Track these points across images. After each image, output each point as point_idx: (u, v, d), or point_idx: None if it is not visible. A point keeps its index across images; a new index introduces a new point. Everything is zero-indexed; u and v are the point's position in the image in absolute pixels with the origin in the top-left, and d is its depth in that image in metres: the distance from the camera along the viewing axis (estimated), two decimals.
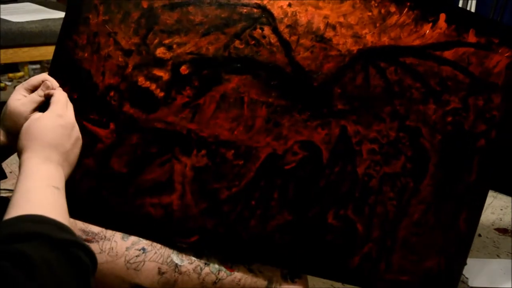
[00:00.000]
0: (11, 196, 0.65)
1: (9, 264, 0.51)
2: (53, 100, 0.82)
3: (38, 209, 0.62)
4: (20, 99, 0.83)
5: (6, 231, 0.57)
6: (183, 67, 0.89)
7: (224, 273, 0.94)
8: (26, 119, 0.80)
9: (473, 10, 2.33)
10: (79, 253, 0.58)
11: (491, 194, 2.16)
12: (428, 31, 0.90)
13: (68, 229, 0.61)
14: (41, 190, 0.67)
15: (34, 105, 0.83)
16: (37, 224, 0.59)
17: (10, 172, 1.96)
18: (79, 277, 0.57)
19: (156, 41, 0.88)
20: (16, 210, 0.62)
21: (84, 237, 0.90)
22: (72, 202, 0.90)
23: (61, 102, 0.81)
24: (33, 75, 3.13)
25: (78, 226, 0.90)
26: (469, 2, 2.33)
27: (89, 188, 0.91)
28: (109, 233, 0.91)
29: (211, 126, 0.90)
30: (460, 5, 2.33)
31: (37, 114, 0.80)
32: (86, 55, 0.88)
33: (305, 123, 0.91)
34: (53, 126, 0.76)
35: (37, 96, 0.83)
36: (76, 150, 0.79)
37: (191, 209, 0.91)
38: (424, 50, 0.90)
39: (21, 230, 0.56)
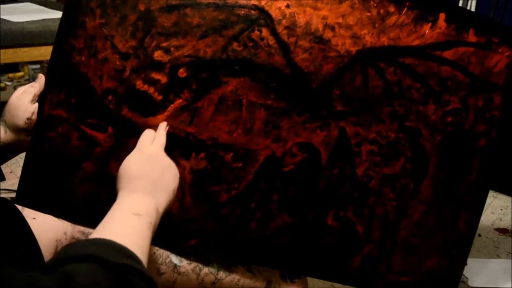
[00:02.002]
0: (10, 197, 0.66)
1: (51, 282, 0.52)
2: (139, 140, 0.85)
3: (110, 234, 0.64)
4: (17, 94, 0.90)
5: (67, 253, 0.59)
6: (181, 70, 0.88)
7: (223, 273, 0.94)
8: (24, 110, 0.88)
9: (473, 10, 2.33)
10: (134, 278, 0.57)
11: (491, 194, 2.15)
12: (427, 31, 0.89)
13: (131, 255, 0.61)
14: (119, 218, 0.71)
15: (29, 96, 0.89)
16: (97, 247, 0.60)
17: (10, 172, 1.98)
18: None
19: (153, 44, 0.88)
20: (92, 236, 0.65)
21: (83, 239, 0.90)
22: (72, 205, 0.90)
23: (143, 140, 0.84)
24: (33, 75, 3.14)
25: (78, 228, 0.90)
26: (469, 2, 2.33)
27: (89, 192, 0.90)
28: None
29: (209, 129, 0.89)
30: (460, 5, 2.33)
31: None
32: (83, 59, 0.88)
33: (304, 125, 0.90)
34: (135, 161, 0.79)
35: (31, 88, 0.90)
36: (168, 177, 0.80)
37: (191, 212, 0.91)
38: (423, 50, 0.89)
39: (79, 251, 0.58)
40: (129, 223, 0.70)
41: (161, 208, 0.76)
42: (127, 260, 0.59)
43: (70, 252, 0.58)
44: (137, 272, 0.58)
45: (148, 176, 0.78)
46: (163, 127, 0.87)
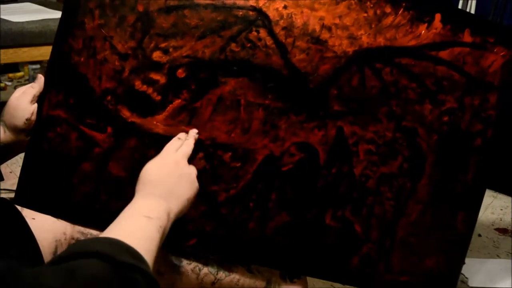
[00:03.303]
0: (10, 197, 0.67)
1: (54, 276, 0.53)
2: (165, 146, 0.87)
3: (118, 234, 0.65)
4: (17, 95, 0.91)
5: (73, 249, 0.60)
6: (179, 71, 0.89)
7: (222, 273, 0.94)
8: (23, 111, 0.89)
9: (473, 10, 2.33)
10: (137, 277, 0.58)
11: (491, 194, 2.16)
12: (423, 31, 0.90)
13: (136, 254, 0.62)
14: (129, 219, 0.72)
15: (29, 97, 0.90)
16: (103, 244, 0.61)
17: (10, 172, 1.98)
18: None
19: (152, 44, 0.88)
20: (102, 234, 0.67)
21: (82, 239, 0.90)
22: (71, 205, 0.91)
23: (168, 146, 0.86)
24: (33, 75, 3.14)
25: (77, 229, 0.91)
26: (469, 2, 2.33)
27: (88, 192, 0.91)
28: None
29: (208, 129, 0.90)
30: (460, 5, 2.33)
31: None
32: (82, 59, 0.88)
33: (302, 124, 0.91)
34: (154, 168, 0.81)
35: (31, 88, 0.90)
36: (184, 185, 0.81)
37: (190, 212, 0.91)
38: (419, 50, 0.90)
39: (85, 248, 0.59)
40: (138, 224, 0.71)
41: (173, 214, 0.77)
42: (132, 259, 0.60)
43: (77, 248, 0.59)
44: (141, 272, 0.59)
45: (164, 181, 0.79)
46: (192, 135, 0.89)
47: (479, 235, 1.86)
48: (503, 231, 1.92)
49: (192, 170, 0.84)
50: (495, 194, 2.17)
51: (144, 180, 0.79)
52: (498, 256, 1.76)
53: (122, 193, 0.90)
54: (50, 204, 0.91)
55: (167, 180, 0.80)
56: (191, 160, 0.87)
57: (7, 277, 0.51)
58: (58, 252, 0.87)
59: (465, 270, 1.63)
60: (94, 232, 0.91)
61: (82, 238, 0.90)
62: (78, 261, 0.56)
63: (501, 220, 1.99)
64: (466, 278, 1.61)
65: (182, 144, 0.86)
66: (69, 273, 0.53)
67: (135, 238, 0.66)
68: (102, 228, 0.90)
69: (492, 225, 1.95)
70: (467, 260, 1.65)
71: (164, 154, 0.84)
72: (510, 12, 2.20)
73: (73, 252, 0.58)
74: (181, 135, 0.88)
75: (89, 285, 0.54)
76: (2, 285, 0.50)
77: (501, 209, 2.07)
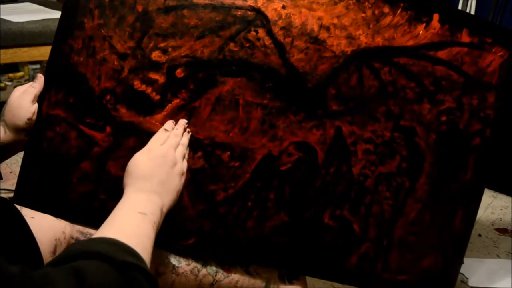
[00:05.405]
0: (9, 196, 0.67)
1: (61, 275, 0.53)
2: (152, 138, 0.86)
3: (115, 233, 0.66)
4: (17, 94, 0.90)
5: (74, 250, 0.60)
6: (178, 70, 0.89)
7: (221, 274, 0.94)
8: (25, 110, 0.89)
9: (473, 10, 2.33)
10: (139, 277, 0.59)
11: (491, 194, 2.16)
12: (421, 31, 0.90)
13: (134, 253, 0.63)
14: (125, 216, 0.73)
15: (30, 96, 0.89)
16: (103, 245, 0.61)
17: (10, 172, 1.98)
18: None
19: (151, 44, 0.89)
20: (97, 234, 0.67)
21: (82, 238, 0.90)
22: (70, 205, 0.91)
23: (154, 139, 0.85)
24: (33, 75, 3.13)
25: (76, 228, 0.91)
26: (469, 2, 2.33)
27: (87, 191, 0.91)
28: None
29: (206, 128, 0.90)
30: (460, 5, 2.33)
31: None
32: (81, 59, 0.88)
33: (300, 124, 0.91)
34: (143, 160, 0.81)
35: (31, 88, 0.90)
36: (174, 178, 0.81)
37: (188, 211, 0.92)
38: (417, 50, 0.90)
39: (86, 249, 0.60)
40: (134, 221, 0.71)
41: (165, 208, 0.78)
42: (132, 258, 0.61)
43: (78, 249, 0.60)
44: (140, 270, 0.60)
45: (155, 176, 0.79)
46: (181, 124, 0.88)
47: (479, 235, 1.86)
48: (503, 231, 1.92)
49: (180, 161, 0.83)
50: (495, 194, 2.17)
51: (134, 174, 0.79)
52: (498, 256, 1.76)
53: (121, 192, 0.90)
54: (49, 203, 0.91)
55: (158, 174, 0.79)
56: (188, 158, 0.87)
57: (14, 278, 0.51)
58: (58, 251, 0.87)
59: (465, 270, 1.63)
60: (93, 232, 0.91)
61: (82, 237, 0.90)
62: (81, 262, 0.56)
63: (501, 220, 1.99)
64: (466, 278, 1.61)
65: (169, 135, 0.86)
66: (77, 276, 0.53)
67: (132, 236, 0.66)
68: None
69: (492, 225, 1.95)
70: (467, 260, 1.65)
71: (152, 147, 0.83)
72: (510, 12, 2.20)
73: (74, 253, 0.58)
74: (168, 125, 0.87)
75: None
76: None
77: (501, 209, 2.06)
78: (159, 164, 0.80)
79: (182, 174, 0.83)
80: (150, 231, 0.71)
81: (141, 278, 0.59)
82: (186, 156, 0.87)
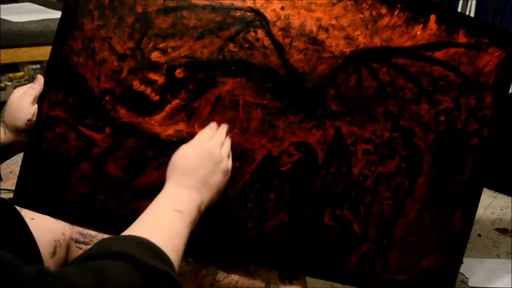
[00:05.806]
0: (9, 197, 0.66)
1: (81, 275, 0.53)
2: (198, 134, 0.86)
3: (147, 229, 0.66)
4: (17, 95, 0.91)
5: (99, 248, 0.60)
6: (178, 71, 0.89)
7: (221, 275, 0.94)
8: (25, 111, 0.89)
9: (472, 11, 2.33)
10: (163, 281, 0.58)
11: (491, 194, 2.16)
12: (419, 32, 0.91)
13: (162, 255, 0.62)
14: (160, 213, 0.72)
15: (30, 97, 0.89)
16: (131, 245, 0.61)
17: (10, 172, 1.98)
18: None
19: (150, 45, 0.89)
20: (130, 230, 0.67)
21: (81, 239, 0.90)
22: (70, 205, 0.91)
23: (202, 135, 0.85)
24: (33, 75, 3.12)
25: (76, 229, 0.91)
26: (469, 3, 2.34)
27: (86, 192, 0.91)
28: (106, 236, 0.91)
29: None
30: (459, 6, 2.33)
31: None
32: (81, 60, 0.89)
33: (300, 124, 0.91)
34: (190, 153, 0.80)
35: (32, 89, 0.90)
36: (218, 176, 0.81)
37: None
38: (415, 51, 0.91)
39: (113, 249, 0.59)
40: (169, 219, 0.70)
41: (203, 206, 0.77)
42: (160, 263, 0.60)
43: (105, 248, 0.59)
44: (168, 277, 0.59)
45: (198, 171, 0.78)
46: (224, 125, 0.89)
47: (479, 235, 1.86)
48: (503, 231, 1.92)
49: (226, 158, 0.83)
50: (495, 194, 2.16)
51: (178, 167, 0.79)
52: (498, 256, 1.76)
53: (120, 193, 0.91)
54: (48, 204, 0.91)
55: (202, 170, 0.79)
56: None
57: (31, 280, 0.50)
58: (57, 252, 0.87)
59: (465, 270, 1.63)
60: (93, 233, 0.91)
61: (81, 238, 0.90)
62: (106, 261, 0.56)
63: (501, 220, 1.99)
64: (466, 278, 1.61)
65: (215, 134, 0.86)
66: (99, 276, 0.53)
67: (164, 236, 0.66)
68: (101, 228, 0.91)
69: (492, 225, 1.95)
70: (467, 260, 1.65)
71: (199, 142, 0.83)
72: (510, 12, 2.21)
73: (102, 252, 0.58)
74: (213, 125, 0.88)
75: None
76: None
77: (501, 209, 2.06)
78: (205, 159, 0.80)
79: (227, 172, 0.83)
80: (183, 231, 0.70)
81: (165, 282, 0.58)
82: (231, 156, 0.87)
